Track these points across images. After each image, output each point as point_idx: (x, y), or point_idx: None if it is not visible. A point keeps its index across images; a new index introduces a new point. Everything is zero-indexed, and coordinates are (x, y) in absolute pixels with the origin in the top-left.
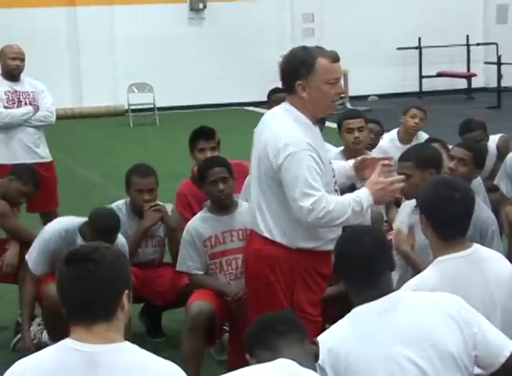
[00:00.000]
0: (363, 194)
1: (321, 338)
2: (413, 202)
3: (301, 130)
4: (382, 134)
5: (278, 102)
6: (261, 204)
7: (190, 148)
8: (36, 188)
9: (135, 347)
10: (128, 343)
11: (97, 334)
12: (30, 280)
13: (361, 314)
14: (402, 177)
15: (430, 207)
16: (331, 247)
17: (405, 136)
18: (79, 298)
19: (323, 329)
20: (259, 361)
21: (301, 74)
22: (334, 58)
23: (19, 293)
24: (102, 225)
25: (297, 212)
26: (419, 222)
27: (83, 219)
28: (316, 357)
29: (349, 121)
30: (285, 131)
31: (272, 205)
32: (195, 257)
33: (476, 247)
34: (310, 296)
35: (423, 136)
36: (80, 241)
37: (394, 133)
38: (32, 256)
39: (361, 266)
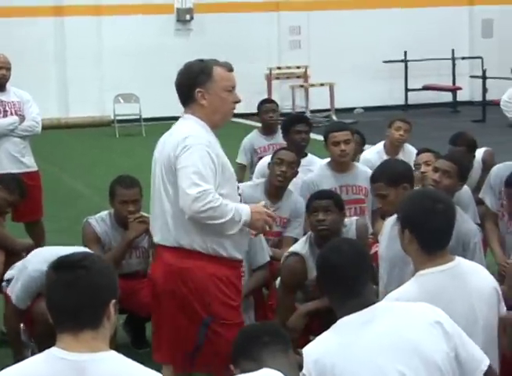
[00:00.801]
0: (245, 210)
1: (307, 349)
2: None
3: (203, 130)
4: (364, 144)
5: (268, 112)
6: (170, 214)
7: None
8: (22, 197)
9: (121, 356)
10: (114, 352)
11: (84, 342)
12: (13, 314)
13: (345, 325)
14: (272, 224)
15: (414, 220)
16: (237, 255)
17: (391, 148)
18: (67, 304)
19: (308, 341)
20: (243, 371)
21: (199, 81)
22: (229, 67)
23: (4, 305)
24: None
25: (181, 200)
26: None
27: (64, 249)
28: (300, 367)
29: (335, 133)
30: (186, 129)
31: (173, 210)
32: None
33: (458, 260)
34: (226, 301)
35: (409, 149)
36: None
37: (380, 146)
38: (16, 291)
39: (343, 275)
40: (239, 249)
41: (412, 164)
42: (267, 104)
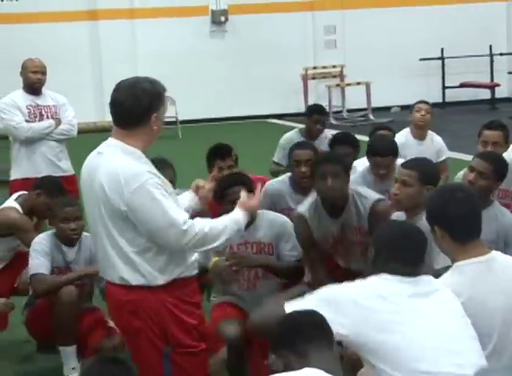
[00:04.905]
0: (240, 215)
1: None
2: (402, 215)
3: (136, 162)
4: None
5: (317, 123)
6: (109, 251)
7: (208, 166)
8: None
9: None
10: None
11: None
12: (43, 280)
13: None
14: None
15: (437, 213)
16: (193, 272)
17: (416, 131)
18: None
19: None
20: (284, 363)
21: (156, 106)
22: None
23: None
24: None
25: (172, 238)
26: None
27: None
28: (341, 358)
29: (378, 159)
30: (124, 164)
31: (121, 246)
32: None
33: (495, 253)
34: (184, 326)
35: (435, 138)
36: (58, 242)
37: (407, 130)
38: (34, 264)
39: (413, 246)
40: (193, 265)
41: (438, 154)
42: (319, 116)
